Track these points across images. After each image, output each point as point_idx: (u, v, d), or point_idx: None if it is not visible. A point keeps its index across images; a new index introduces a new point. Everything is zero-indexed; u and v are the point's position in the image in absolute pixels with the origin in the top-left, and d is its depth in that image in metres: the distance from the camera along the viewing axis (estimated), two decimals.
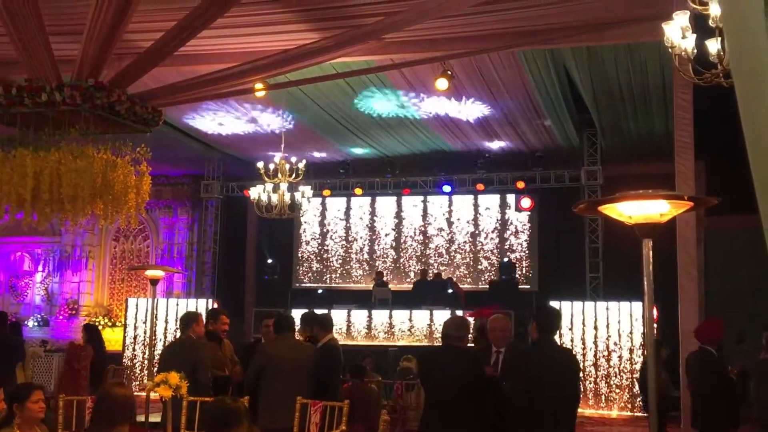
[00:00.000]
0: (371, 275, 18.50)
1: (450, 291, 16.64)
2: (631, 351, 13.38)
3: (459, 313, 14.77)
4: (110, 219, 7.07)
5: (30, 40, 6.39)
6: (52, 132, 6.91)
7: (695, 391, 7.50)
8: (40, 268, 19.76)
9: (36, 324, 18.60)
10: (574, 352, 10.72)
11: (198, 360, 6.94)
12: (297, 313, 8.55)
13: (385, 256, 19.00)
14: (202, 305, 15.35)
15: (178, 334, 13.99)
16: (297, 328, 7.60)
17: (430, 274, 17.59)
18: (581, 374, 12.87)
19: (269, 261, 19.15)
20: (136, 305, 16.26)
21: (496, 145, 16.21)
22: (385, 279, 17.82)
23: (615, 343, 13.47)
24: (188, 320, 7.36)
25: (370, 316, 15.87)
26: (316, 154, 17.11)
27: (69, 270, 19.15)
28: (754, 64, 1.08)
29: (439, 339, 15.50)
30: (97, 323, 18.11)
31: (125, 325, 16.19)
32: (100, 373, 10.26)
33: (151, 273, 9.64)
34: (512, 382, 5.89)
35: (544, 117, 14.19)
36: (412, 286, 17.34)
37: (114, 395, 4.37)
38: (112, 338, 16.79)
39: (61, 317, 18.62)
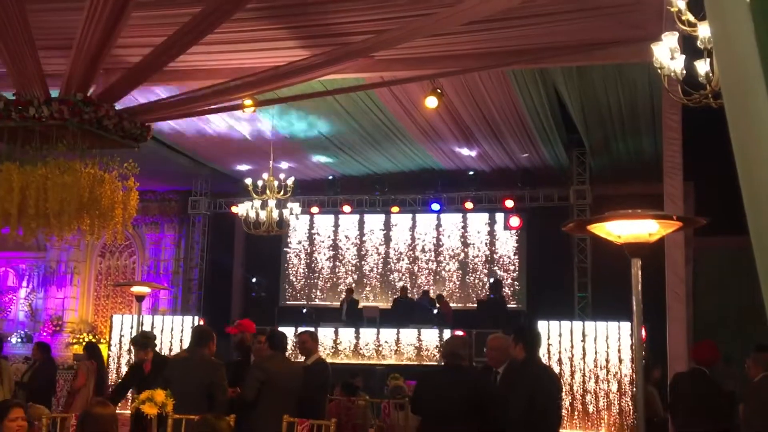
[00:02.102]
0: (359, 292, 18.42)
1: (436, 311, 16.56)
2: (619, 371, 13.35)
3: (447, 331, 14.76)
4: (96, 234, 7.02)
5: (18, 54, 6.36)
6: (39, 146, 6.87)
7: (686, 411, 7.48)
8: (24, 283, 19.57)
9: (19, 340, 18.40)
10: (556, 370, 10.80)
11: (216, 380, 6.68)
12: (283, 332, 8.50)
13: (373, 273, 18.94)
14: (188, 322, 15.24)
15: (164, 351, 13.89)
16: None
17: (415, 293, 17.56)
18: (567, 393, 12.85)
19: (253, 280, 19.05)
20: (121, 322, 16.11)
21: (484, 163, 16.25)
22: (355, 296, 17.70)
23: (603, 363, 13.44)
24: (206, 337, 6.99)
25: (357, 335, 15.79)
26: (305, 171, 17.08)
27: (54, 286, 18.97)
28: (744, 85, 1.07)
29: (426, 357, 15.47)
30: (81, 340, 18.00)
31: (110, 342, 16.03)
32: (101, 392, 10.17)
33: (136, 289, 9.58)
34: (511, 400, 5.85)
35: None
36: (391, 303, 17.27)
37: (97, 414, 4.32)
38: None
39: (45, 333, 18.39)
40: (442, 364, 6.35)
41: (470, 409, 5.78)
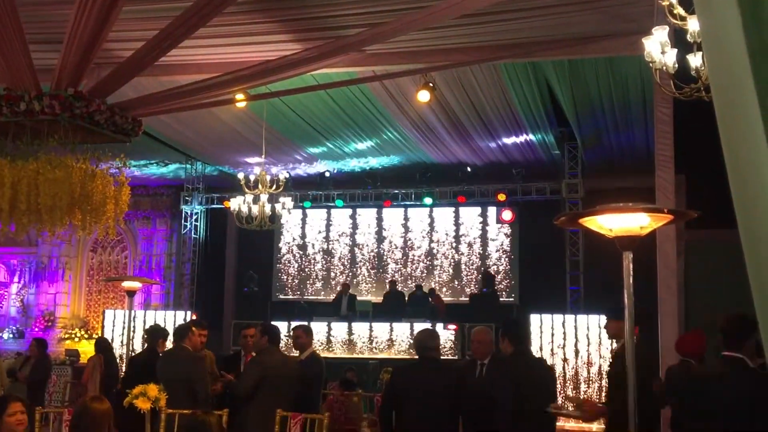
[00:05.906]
0: (352, 286, 18.41)
1: (430, 301, 16.61)
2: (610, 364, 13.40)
3: (439, 325, 14.80)
4: (88, 230, 7.00)
5: (9, 48, 6.32)
6: (30, 141, 6.84)
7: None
8: (15, 279, 19.51)
9: (11, 336, 18.35)
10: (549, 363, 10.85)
11: (193, 373, 6.78)
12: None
13: (365, 267, 18.95)
14: (180, 317, 15.23)
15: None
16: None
17: (412, 287, 17.59)
18: (560, 386, 12.90)
19: (253, 274, 19.00)
20: (113, 317, 16.10)
21: (476, 157, 16.26)
22: (351, 291, 17.66)
23: (595, 356, 13.50)
24: (182, 331, 7.16)
25: (350, 329, 15.81)
26: (297, 166, 17.07)
27: (45, 281, 18.92)
28: (732, 79, 1.07)
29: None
30: (73, 335, 17.96)
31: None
32: (110, 388, 10.18)
33: (127, 284, 9.57)
34: (501, 391, 5.87)
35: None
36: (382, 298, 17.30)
37: (92, 409, 4.32)
38: (88, 350, 16.59)
39: (36, 329, 18.35)
40: (416, 359, 6.35)
41: (451, 403, 5.79)
